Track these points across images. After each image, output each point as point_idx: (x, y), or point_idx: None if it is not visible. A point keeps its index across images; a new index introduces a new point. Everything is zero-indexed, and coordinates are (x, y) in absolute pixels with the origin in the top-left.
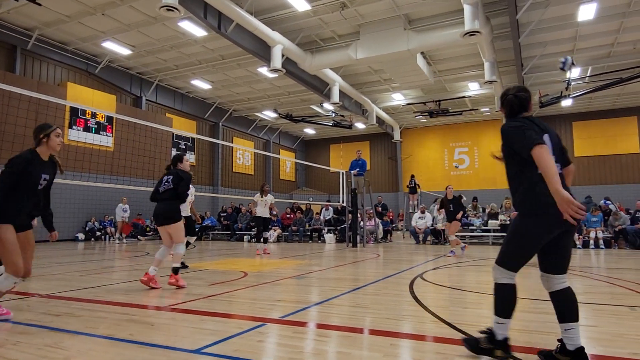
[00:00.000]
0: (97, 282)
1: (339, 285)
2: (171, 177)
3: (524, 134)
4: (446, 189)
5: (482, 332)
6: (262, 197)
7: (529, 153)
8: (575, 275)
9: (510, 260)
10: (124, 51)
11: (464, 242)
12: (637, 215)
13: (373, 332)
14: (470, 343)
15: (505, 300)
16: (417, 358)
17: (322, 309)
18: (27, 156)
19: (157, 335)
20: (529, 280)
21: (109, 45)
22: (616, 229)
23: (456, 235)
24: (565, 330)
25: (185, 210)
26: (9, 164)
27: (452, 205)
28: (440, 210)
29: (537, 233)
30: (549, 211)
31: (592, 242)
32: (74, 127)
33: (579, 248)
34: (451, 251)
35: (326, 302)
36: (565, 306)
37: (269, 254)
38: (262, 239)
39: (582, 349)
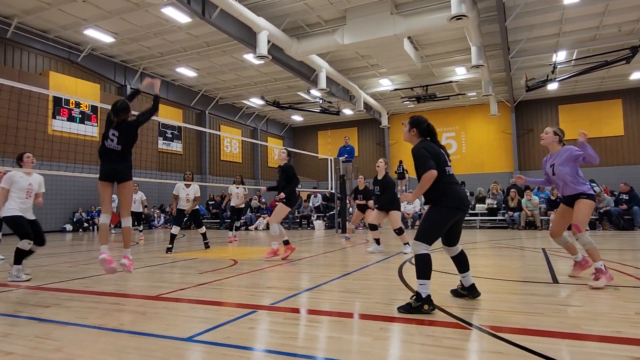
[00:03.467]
0: (86, 273)
1: (328, 271)
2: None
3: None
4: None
5: (411, 297)
6: (238, 187)
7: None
8: (560, 257)
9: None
10: (107, 39)
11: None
12: (620, 197)
13: (363, 316)
14: (404, 308)
15: (425, 266)
16: (407, 341)
17: (313, 295)
18: None
19: (148, 324)
20: (517, 263)
21: (91, 33)
22: (601, 211)
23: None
24: (462, 277)
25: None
26: None
27: (364, 195)
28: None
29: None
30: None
31: None
32: (57, 117)
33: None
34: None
35: (316, 288)
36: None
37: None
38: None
39: (473, 284)
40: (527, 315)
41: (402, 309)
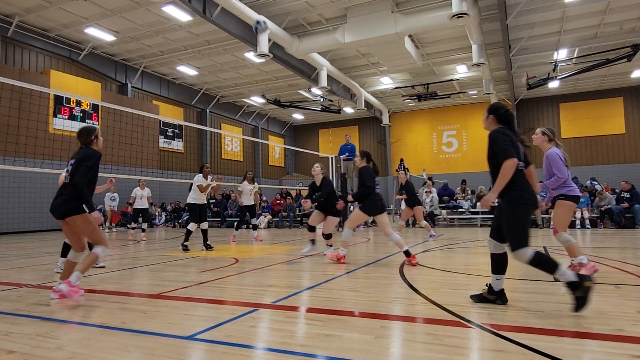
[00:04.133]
0: (88, 272)
1: (329, 269)
2: None
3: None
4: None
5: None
6: (250, 184)
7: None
8: (563, 255)
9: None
10: (108, 37)
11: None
12: (622, 195)
13: (364, 314)
14: (478, 297)
15: (546, 261)
16: (408, 339)
17: (314, 293)
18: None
19: (150, 322)
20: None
21: (92, 32)
22: (602, 209)
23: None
24: (496, 279)
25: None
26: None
27: (406, 190)
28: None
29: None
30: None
31: (578, 222)
32: (58, 115)
33: None
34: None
35: (317, 286)
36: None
37: (261, 240)
38: (251, 226)
39: (503, 290)
40: (528, 314)
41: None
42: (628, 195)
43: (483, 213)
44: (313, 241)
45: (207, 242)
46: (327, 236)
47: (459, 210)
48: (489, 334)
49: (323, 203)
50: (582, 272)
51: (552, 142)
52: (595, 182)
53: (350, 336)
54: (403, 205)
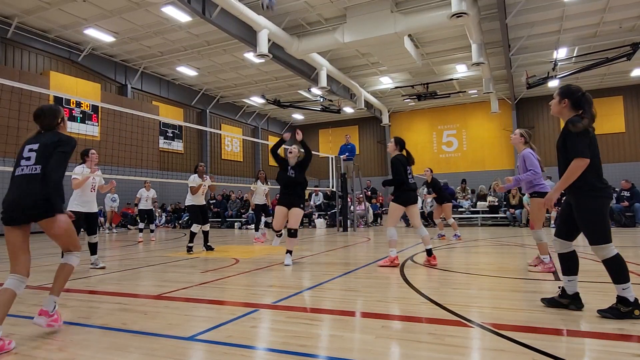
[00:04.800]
0: (88, 273)
1: (330, 269)
2: None
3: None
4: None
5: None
6: (263, 184)
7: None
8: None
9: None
10: (107, 38)
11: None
12: (622, 194)
13: (365, 314)
14: (612, 312)
15: (621, 267)
16: (409, 339)
17: (314, 294)
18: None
19: (150, 323)
20: (519, 260)
21: (92, 33)
22: None
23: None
24: (568, 281)
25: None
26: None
27: (433, 188)
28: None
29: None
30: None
31: None
32: None
33: None
34: (455, 234)
35: (318, 286)
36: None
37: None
38: (263, 225)
39: (578, 294)
40: (529, 313)
41: (608, 314)
42: (628, 194)
43: (483, 212)
44: (279, 233)
45: (208, 243)
46: (294, 233)
47: (460, 209)
48: (490, 333)
49: (287, 195)
50: (539, 267)
51: (527, 144)
52: None
53: (351, 336)
54: (432, 203)
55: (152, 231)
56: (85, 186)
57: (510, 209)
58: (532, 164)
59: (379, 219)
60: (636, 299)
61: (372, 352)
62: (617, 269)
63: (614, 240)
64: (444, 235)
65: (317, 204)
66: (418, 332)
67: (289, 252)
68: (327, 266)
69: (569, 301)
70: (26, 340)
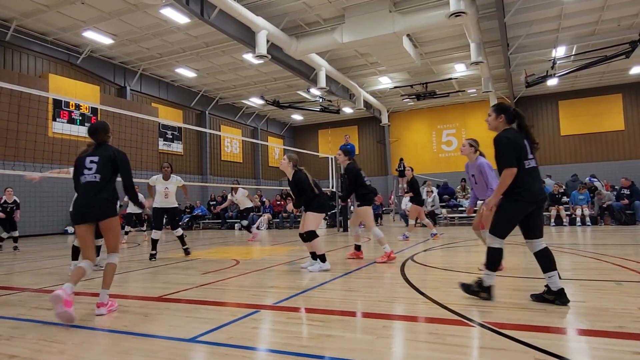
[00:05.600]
0: (89, 275)
1: (330, 269)
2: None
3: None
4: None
5: (474, 281)
6: (232, 194)
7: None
8: (563, 252)
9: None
10: (106, 40)
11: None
12: (622, 192)
13: (366, 314)
14: (465, 286)
15: (494, 258)
16: (410, 338)
17: (315, 294)
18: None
19: (151, 325)
20: (519, 259)
21: (90, 35)
22: (603, 206)
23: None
24: (548, 277)
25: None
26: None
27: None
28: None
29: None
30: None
31: (578, 219)
32: (57, 119)
33: (565, 225)
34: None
35: (319, 287)
36: (547, 260)
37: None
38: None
39: (562, 289)
40: (529, 312)
41: (463, 286)
42: (628, 192)
43: None
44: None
45: (185, 247)
46: (307, 237)
47: (460, 209)
48: (491, 332)
49: (300, 202)
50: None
51: (477, 152)
52: (594, 179)
53: (352, 336)
54: (408, 204)
55: (126, 233)
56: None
57: None
58: (492, 177)
59: (379, 219)
60: (490, 287)
61: (373, 352)
62: (492, 258)
63: (615, 238)
64: (436, 234)
65: None
66: (419, 331)
67: (311, 255)
68: None
69: (554, 297)
70: (28, 343)
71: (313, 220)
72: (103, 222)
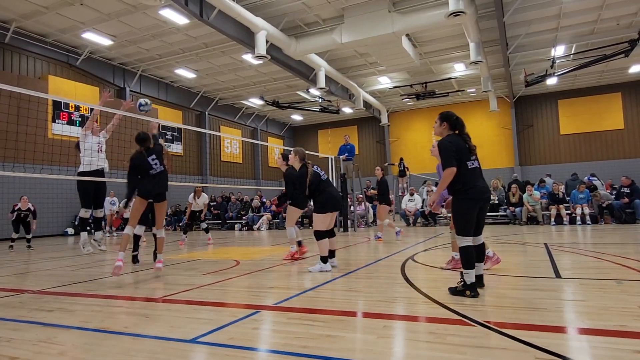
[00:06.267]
0: (89, 276)
1: (331, 271)
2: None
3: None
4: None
5: (458, 282)
6: (195, 198)
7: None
8: (563, 251)
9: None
10: (105, 42)
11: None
12: (622, 190)
13: (366, 314)
14: (452, 290)
15: (467, 257)
16: (411, 338)
17: (316, 294)
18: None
19: (152, 326)
20: (519, 258)
21: (89, 36)
22: (603, 205)
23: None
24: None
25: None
26: None
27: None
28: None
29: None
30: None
31: (578, 218)
32: (57, 120)
33: (565, 225)
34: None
35: (319, 287)
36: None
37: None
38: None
39: (481, 276)
40: (530, 311)
41: (450, 290)
42: (628, 191)
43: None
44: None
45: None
46: (315, 236)
47: None
48: (492, 331)
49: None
50: (487, 263)
51: None
52: (593, 178)
53: (352, 336)
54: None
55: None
56: None
57: (510, 207)
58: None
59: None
60: (473, 284)
61: (374, 352)
62: (464, 257)
63: (615, 237)
64: (401, 231)
65: None
66: (420, 331)
67: (330, 252)
68: None
69: (470, 292)
70: (28, 345)
71: (316, 221)
72: (161, 203)
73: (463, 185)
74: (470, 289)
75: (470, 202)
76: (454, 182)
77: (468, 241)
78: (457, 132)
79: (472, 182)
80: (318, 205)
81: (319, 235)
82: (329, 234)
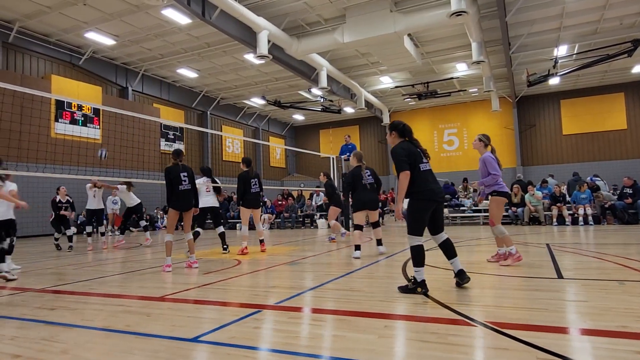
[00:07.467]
0: (91, 275)
1: (332, 269)
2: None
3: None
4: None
5: (409, 280)
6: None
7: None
8: (565, 251)
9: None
10: (108, 41)
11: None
12: (625, 191)
13: (367, 314)
14: (402, 288)
15: (418, 255)
16: (412, 338)
17: (317, 294)
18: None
19: (154, 325)
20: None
21: (92, 36)
22: (605, 205)
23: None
24: (451, 262)
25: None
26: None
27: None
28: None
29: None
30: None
31: (581, 218)
32: (60, 120)
33: (567, 225)
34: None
35: (320, 286)
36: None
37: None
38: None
39: (462, 269)
40: (532, 311)
41: (401, 289)
42: (630, 191)
43: (485, 211)
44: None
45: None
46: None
47: (461, 208)
48: (493, 332)
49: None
50: (509, 261)
51: (488, 147)
52: (596, 179)
53: (353, 336)
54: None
55: (102, 234)
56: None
57: (512, 208)
58: (493, 168)
59: (380, 219)
60: (423, 281)
61: (375, 352)
62: (415, 256)
63: (617, 238)
64: (346, 233)
65: (318, 204)
66: (421, 331)
67: (377, 241)
68: (329, 266)
69: (457, 277)
70: (30, 343)
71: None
72: (190, 211)
73: (417, 187)
74: (421, 286)
75: (424, 203)
76: (409, 185)
77: (419, 240)
78: (407, 139)
79: (425, 184)
80: (352, 203)
81: (354, 227)
82: (373, 225)
